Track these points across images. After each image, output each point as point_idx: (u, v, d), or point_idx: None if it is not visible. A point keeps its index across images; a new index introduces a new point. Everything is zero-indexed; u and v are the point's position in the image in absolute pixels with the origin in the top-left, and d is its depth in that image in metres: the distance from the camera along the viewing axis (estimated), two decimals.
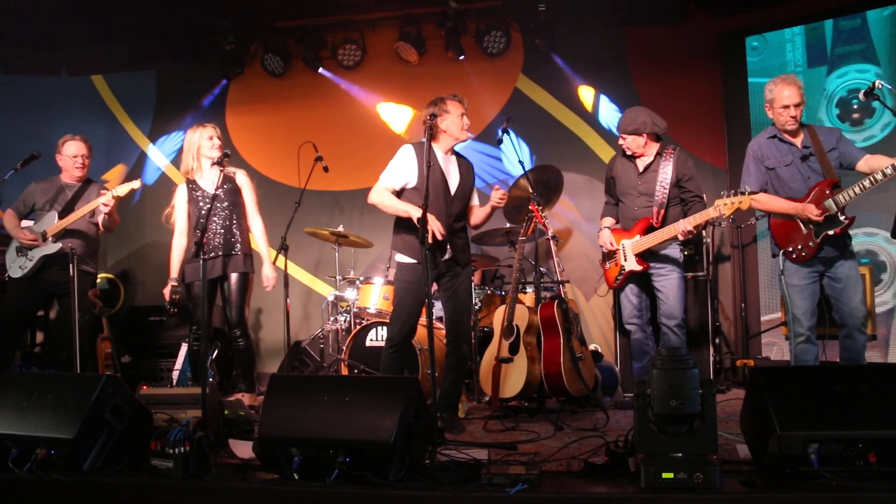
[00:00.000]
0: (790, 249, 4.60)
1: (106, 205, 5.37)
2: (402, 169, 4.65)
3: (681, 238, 4.95)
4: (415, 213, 4.40)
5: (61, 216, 5.56)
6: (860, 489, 2.94)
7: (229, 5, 7.41)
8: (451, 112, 4.65)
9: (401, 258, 4.72)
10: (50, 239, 5.52)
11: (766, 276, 6.63)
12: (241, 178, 5.33)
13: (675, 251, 5.14)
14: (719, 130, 6.95)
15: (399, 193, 4.68)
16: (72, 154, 5.69)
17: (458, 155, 4.83)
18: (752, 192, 4.73)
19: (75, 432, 3.44)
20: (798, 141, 4.67)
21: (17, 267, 5.57)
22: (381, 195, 4.64)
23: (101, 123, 8.15)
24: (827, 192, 4.47)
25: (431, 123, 4.59)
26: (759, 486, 3.07)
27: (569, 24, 7.22)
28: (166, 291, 5.32)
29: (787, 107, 4.59)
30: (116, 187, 5.43)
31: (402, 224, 4.67)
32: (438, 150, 4.71)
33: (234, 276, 5.21)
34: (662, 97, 6.95)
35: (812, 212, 4.47)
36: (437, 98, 4.70)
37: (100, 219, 5.60)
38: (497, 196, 4.60)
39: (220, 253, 5.17)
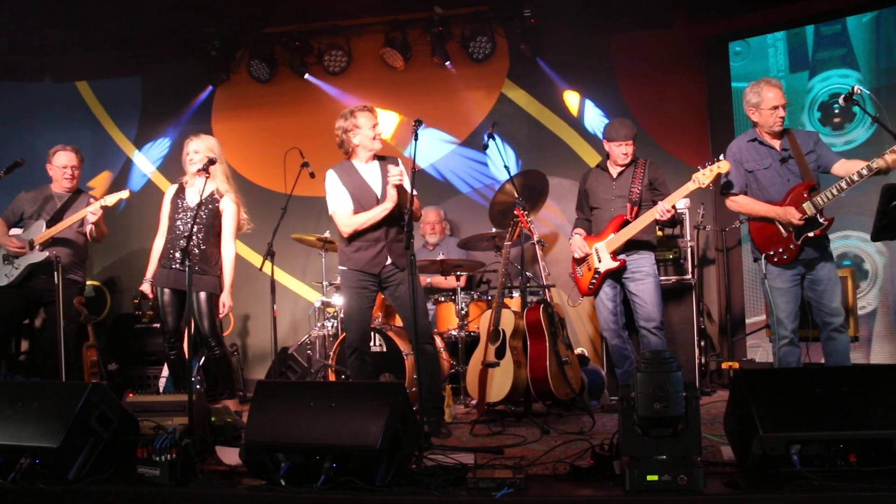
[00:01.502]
0: (771, 253, 4.64)
1: (94, 213, 5.36)
2: (340, 191, 4.79)
3: (658, 217, 5.00)
4: (387, 204, 4.66)
5: (49, 225, 5.55)
6: (841, 489, 2.98)
7: (215, 11, 7.40)
8: (360, 126, 4.75)
9: (342, 268, 4.84)
10: (37, 247, 5.51)
11: (750, 278, 6.68)
12: (224, 203, 5.23)
13: (648, 260, 5.23)
14: (703, 134, 7.00)
15: None
16: (62, 165, 5.68)
17: (381, 159, 4.89)
18: (732, 194, 4.79)
19: (60, 441, 3.43)
20: (777, 144, 4.72)
21: (3, 275, 5.55)
22: (354, 219, 4.74)
23: (86, 130, 8.12)
24: (805, 194, 4.52)
25: (344, 139, 4.82)
26: (743, 488, 3.10)
27: (554, 30, 7.25)
28: (138, 290, 5.35)
29: (775, 108, 4.65)
30: (105, 197, 5.41)
31: (344, 239, 4.81)
32: (358, 163, 4.83)
33: (203, 295, 5.15)
34: (647, 102, 7.02)
35: (794, 216, 4.50)
36: (347, 111, 4.81)
37: (87, 229, 5.59)
38: (394, 175, 4.69)
39: (195, 269, 5.13)
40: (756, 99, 4.72)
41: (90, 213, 5.36)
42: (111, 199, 5.38)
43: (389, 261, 4.73)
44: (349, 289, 4.78)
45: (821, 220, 4.49)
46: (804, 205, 4.49)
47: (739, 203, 4.80)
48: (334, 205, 4.81)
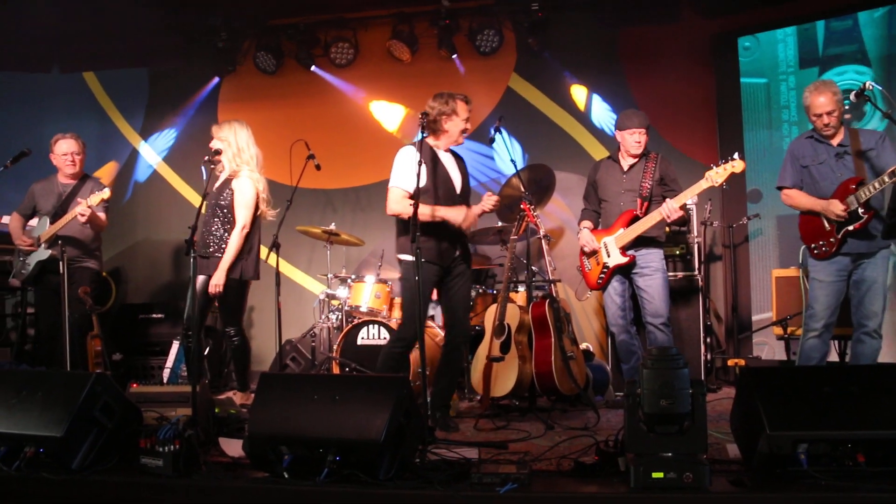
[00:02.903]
0: (812, 246, 4.68)
1: (83, 215, 5.36)
2: (411, 170, 4.45)
3: (664, 218, 4.98)
4: (449, 214, 4.43)
5: (53, 220, 5.59)
6: (849, 489, 2.95)
7: (222, 3, 7.39)
8: (458, 114, 4.59)
9: (408, 257, 4.55)
10: (43, 245, 5.56)
11: (757, 275, 6.65)
12: (236, 182, 5.21)
13: (657, 256, 5.19)
14: (711, 130, 6.97)
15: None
16: (62, 152, 5.72)
17: (452, 153, 4.80)
18: (785, 188, 4.84)
19: (64, 430, 3.42)
20: (836, 141, 4.71)
21: (20, 271, 5.68)
22: (404, 204, 4.51)
23: (92, 120, 8.13)
24: (852, 187, 4.51)
25: (426, 121, 4.57)
26: (749, 486, 3.08)
27: (562, 24, 7.22)
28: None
29: (819, 115, 4.65)
30: (90, 197, 5.42)
31: (408, 225, 4.47)
32: (437, 147, 4.66)
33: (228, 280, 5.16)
34: (655, 97, 6.98)
35: (837, 209, 4.52)
36: (447, 95, 4.59)
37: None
38: (491, 202, 4.63)
39: (215, 254, 5.14)
40: (805, 103, 4.74)
41: (79, 214, 5.38)
42: (94, 199, 5.40)
43: (458, 252, 4.64)
44: (412, 282, 4.48)
45: (861, 214, 4.48)
46: (848, 198, 4.49)
47: (790, 196, 4.83)
48: (398, 180, 4.55)
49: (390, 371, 4.53)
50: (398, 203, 4.54)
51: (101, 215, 5.62)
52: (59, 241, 5.41)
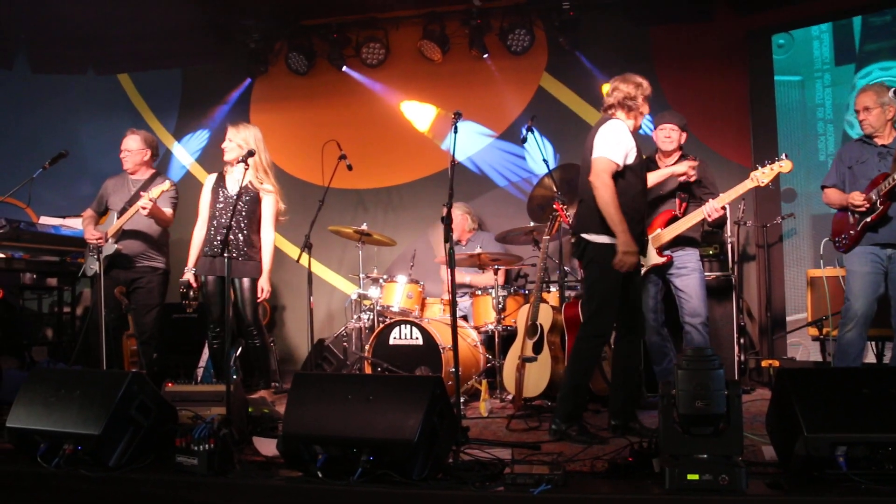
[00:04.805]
0: (836, 239, 4.76)
1: (144, 208, 5.43)
2: (629, 144, 4.23)
3: (706, 218, 4.93)
4: (624, 235, 4.07)
5: (120, 216, 5.68)
6: (889, 493, 2.90)
7: (254, 4, 7.45)
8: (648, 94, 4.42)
9: (604, 239, 4.20)
10: (110, 240, 5.63)
11: (791, 275, 6.57)
12: (265, 196, 5.32)
13: (693, 256, 5.13)
14: (745, 128, 6.89)
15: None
16: (121, 147, 5.83)
17: None
18: (826, 187, 4.92)
19: (102, 428, 3.48)
20: (880, 141, 4.72)
21: (90, 266, 5.73)
22: (613, 195, 4.10)
23: (127, 121, 8.19)
24: (881, 181, 4.52)
25: (639, 99, 4.35)
26: (786, 489, 3.04)
27: (593, 22, 7.18)
28: (181, 280, 5.40)
29: (857, 111, 4.74)
30: (151, 189, 5.49)
31: (612, 201, 4.13)
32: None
33: (246, 281, 5.26)
34: (688, 95, 6.91)
35: (856, 200, 4.56)
36: (637, 78, 4.40)
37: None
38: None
39: (235, 255, 5.19)
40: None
41: (141, 207, 5.44)
42: (155, 192, 5.45)
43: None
44: (612, 267, 4.19)
45: (878, 205, 4.50)
46: (871, 192, 4.52)
47: (826, 195, 4.92)
48: (610, 151, 4.16)
49: (590, 372, 4.33)
50: (607, 177, 4.11)
51: (167, 210, 5.67)
52: (98, 248, 5.50)
